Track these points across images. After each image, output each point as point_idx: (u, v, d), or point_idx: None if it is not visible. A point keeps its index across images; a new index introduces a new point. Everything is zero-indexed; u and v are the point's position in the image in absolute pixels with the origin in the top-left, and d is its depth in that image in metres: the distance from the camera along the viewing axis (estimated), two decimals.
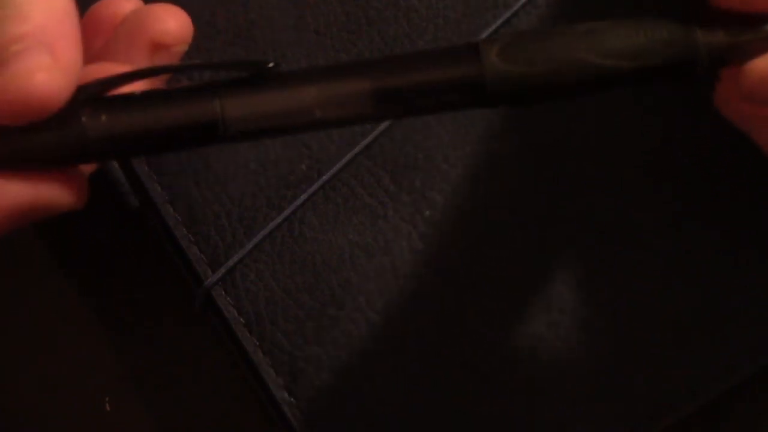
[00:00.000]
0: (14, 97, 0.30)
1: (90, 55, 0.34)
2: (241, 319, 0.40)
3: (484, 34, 0.40)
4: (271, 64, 0.31)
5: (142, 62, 0.34)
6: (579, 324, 0.39)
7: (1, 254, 0.43)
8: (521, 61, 0.31)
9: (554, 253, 0.39)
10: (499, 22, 0.40)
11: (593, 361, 0.39)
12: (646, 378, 0.38)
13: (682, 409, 0.38)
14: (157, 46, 0.35)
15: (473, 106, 0.32)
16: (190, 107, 0.31)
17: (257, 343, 0.40)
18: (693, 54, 0.31)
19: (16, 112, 0.31)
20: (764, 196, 0.38)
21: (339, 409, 0.39)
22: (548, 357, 0.39)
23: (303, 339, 0.40)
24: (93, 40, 0.36)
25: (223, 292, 0.40)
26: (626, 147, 0.39)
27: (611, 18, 0.32)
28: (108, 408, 0.43)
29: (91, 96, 0.31)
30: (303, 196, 0.40)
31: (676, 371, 0.38)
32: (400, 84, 0.31)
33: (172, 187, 0.41)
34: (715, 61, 0.32)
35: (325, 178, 0.40)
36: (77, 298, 0.43)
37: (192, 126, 0.31)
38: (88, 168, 0.35)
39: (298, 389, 0.40)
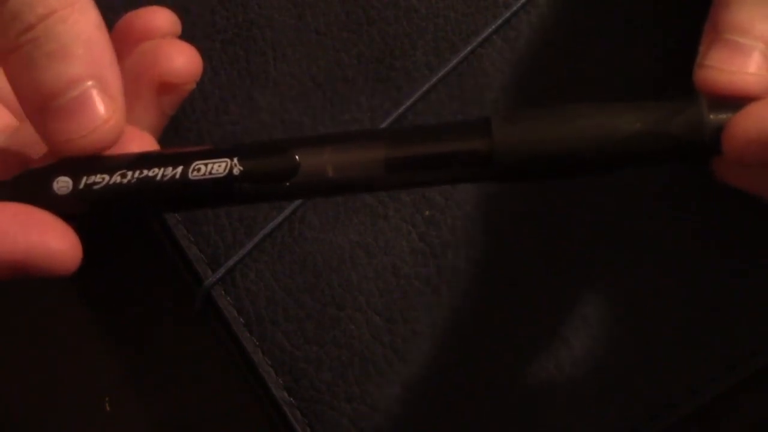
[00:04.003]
0: (86, 146, 0.30)
1: None
2: (241, 319, 0.40)
3: (484, 34, 0.40)
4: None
5: (148, 99, 0.34)
6: (579, 325, 0.39)
7: None
8: (530, 133, 0.30)
9: (554, 254, 0.39)
10: (500, 22, 0.40)
11: (593, 361, 0.39)
12: (646, 378, 0.38)
13: (682, 408, 0.38)
14: (165, 85, 0.34)
15: (482, 179, 0.31)
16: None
17: (257, 343, 0.40)
18: (700, 126, 0.30)
19: (83, 153, 0.31)
20: (760, 198, 0.38)
21: (339, 409, 0.39)
22: (549, 357, 0.39)
23: (303, 339, 0.40)
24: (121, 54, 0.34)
25: (223, 292, 0.40)
26: None
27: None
28: (108, 408, 0.43)
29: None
30: None
31: (675, 371, 0.38)
32: (412, 153, 0.31)
33: None
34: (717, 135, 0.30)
35: None
36: (77, 298, 0.43)
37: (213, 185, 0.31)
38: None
39: (298, 389, 0.40)
